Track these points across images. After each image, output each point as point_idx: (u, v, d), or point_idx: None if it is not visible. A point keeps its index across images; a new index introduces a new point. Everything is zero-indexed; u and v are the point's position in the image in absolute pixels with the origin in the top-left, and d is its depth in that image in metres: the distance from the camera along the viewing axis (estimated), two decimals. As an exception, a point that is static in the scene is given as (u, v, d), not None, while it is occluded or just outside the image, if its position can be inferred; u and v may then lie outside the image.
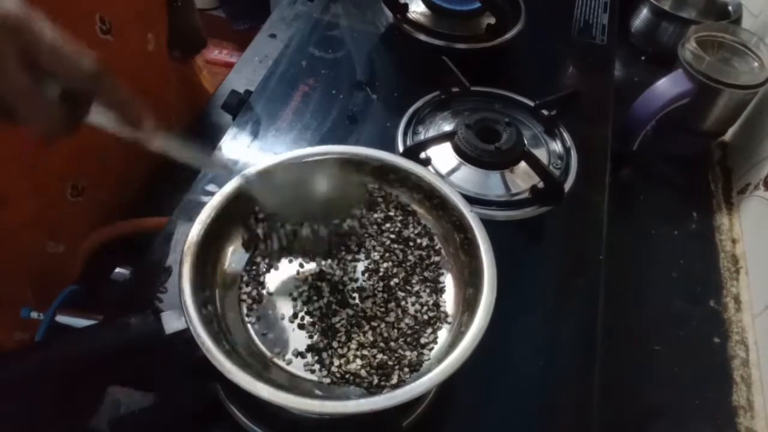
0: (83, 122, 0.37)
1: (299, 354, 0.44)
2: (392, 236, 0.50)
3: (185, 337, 0.40)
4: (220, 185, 0.47)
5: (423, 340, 0.45)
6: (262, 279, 0.48)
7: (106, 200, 0.66)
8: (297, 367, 0.43)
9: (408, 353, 0.44)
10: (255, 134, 0.66)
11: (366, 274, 0.48)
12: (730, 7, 0.90)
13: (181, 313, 0.39)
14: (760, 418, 0.58)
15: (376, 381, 0.42)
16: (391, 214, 0.51)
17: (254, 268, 0.48)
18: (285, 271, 0.48)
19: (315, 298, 0.47)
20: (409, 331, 0.45)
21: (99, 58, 0.35)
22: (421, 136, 0.67)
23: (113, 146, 0.64)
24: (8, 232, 0.55)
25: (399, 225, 0.51)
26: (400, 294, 0.47)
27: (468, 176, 0.62)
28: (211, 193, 0.48)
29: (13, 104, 0.33)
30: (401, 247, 0.50)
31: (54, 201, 0.60)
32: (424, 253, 0.50)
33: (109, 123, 0.38)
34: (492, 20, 0.78)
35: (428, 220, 0.51)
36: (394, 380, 0.42)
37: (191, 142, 0.42)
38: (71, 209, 0.62)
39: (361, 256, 0.49)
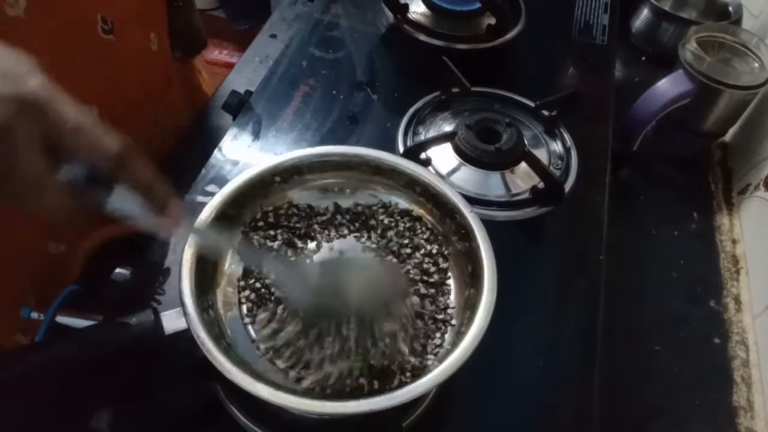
0: (104, 209, 0.35)
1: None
2: (402, 242, 0.50)
3: (185, 337, 0.40)
4: (220, 186, 0.47)
5: (428, 347, 0.45)
6: (262, 280, 0.48)
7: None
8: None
9: (411, 359, 0.44)
10: (255, 134, 0.66)
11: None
12: (730, 8, 0.90)
13: (182, 313, 0.39)
14: (760, 418, 0.58)
15: (377, 386, 0.42)
16: (398, 220, 0.51)
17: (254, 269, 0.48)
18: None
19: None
20: (413, 335, 0.45)
21: (124, 138, 0.34)
22: (422, 137, 0.67)
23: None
24: (10, 233, 0.55)
25: (408, 233, 0.51)
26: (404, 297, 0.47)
27: (468, 177, 0.62)
28: (211, 194, 0.48)
29: (25, 193, 0.32)
30: (409, 251, 0.50)
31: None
32: (431, 260, 0.49)
33: (132, 209, 0.36)
34: (492, 20, 0.78)
35: (429, 220, 0.51)
36: (395, 384, 0.42)
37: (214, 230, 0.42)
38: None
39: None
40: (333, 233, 0.50)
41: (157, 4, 0.68)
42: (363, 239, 0.50)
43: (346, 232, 0.51)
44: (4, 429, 0.44)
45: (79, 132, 0.32)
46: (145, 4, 0.66)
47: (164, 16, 0.70)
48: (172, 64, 0.74)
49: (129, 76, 0.63)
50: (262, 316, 0.45)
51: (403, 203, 0.52)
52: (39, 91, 0.31)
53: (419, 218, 0.51)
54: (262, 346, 0.43)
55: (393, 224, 0.51)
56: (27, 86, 0.31)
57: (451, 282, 0.49)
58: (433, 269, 0.49)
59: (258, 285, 0.47)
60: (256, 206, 0.50)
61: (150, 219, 0.36)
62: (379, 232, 0.51)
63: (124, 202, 0.36)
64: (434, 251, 0.50)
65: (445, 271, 0.49)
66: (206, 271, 0.44)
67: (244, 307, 0.46)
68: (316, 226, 0.50)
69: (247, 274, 0.47)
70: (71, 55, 0.54)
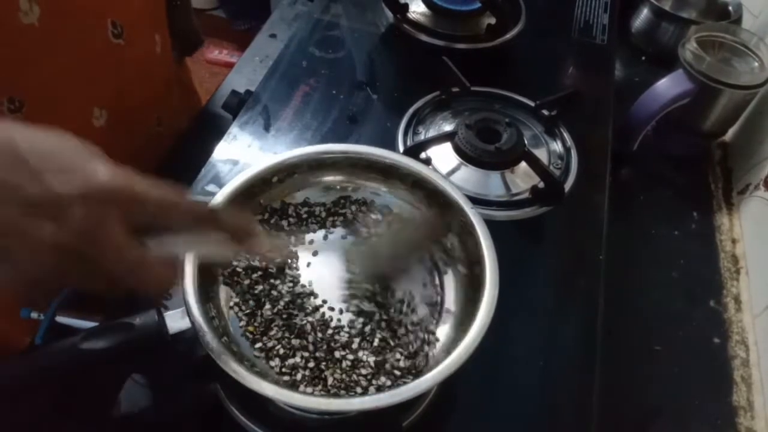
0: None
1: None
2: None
3: (186, 336, 0.40)
4: (220, 185, 0.47)
5: (426, 339, 0.45)
6: (265, 281, 0.47)
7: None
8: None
9: (402, 361, 0.44)
10: (255, 134, 0.66)
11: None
12: (730, 8, 0.90)
13: (185, 313, 0.39)
14: (760, 418, 0.58)
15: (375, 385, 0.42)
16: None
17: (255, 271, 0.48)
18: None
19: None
20: (411, 332, 0.45)
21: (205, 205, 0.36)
22: (422, 136, 0.67)
23: (113, 146, 0.64)
24: None
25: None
26: (400, 295, 0.47)
27: (468, 176, 0.62)
28: (212, 193, 0.48)
29: (124, 276, 0.31)
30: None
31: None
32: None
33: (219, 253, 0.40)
34: (492, 20, 0.78)
35: (430, 218, 0.51)
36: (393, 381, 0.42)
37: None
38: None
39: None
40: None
41: (160, 5, 0.68)
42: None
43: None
44: (5, 429, 0.44)
45: (164, 207, 0.32)
46: (152, 7, 0.66)
47: (165, 16, 0.70)
48: (173, 65, 0.74)
49: (135, 78, 0.63)
50: (257, 318, 0.45)
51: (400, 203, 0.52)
52: (110, 182, 0.29)
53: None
54: (255, 346, 0.44)
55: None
56: (95, 180, 0.29)
57: (446, 278, 0.49)
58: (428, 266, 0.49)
59: (247, 282, 0.47)
60: (256, 205, 0.50)
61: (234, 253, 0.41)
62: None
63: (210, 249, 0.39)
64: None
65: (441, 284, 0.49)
66: (208, 270, 0.44)
67: (240, 307, 0.46)
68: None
69: (249, 272, 0.47)
70: (82, 60, 0.54)
